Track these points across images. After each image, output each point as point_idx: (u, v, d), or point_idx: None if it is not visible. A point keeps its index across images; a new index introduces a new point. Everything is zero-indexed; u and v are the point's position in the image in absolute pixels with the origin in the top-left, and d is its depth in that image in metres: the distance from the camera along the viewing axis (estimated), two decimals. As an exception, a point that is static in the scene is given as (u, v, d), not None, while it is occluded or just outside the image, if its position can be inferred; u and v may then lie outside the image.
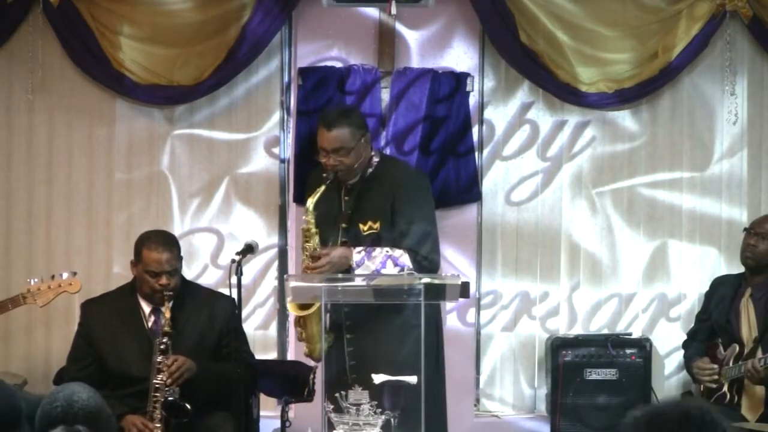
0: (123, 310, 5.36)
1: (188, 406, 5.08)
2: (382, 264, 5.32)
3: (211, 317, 5.38)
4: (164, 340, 5.14)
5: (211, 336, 5.37)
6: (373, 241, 5.36)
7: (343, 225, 5.40)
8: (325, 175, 5.35)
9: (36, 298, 5.98)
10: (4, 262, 6.70)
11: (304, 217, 5.38)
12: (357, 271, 5.28)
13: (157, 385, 5.11)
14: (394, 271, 5.29)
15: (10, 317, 6.37)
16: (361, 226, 5.35)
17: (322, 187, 5.29)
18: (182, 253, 5.50)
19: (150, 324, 5.31)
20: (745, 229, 6.08)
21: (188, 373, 5.14)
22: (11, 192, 6.71)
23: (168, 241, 5.35)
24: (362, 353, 5.26)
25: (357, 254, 5.31)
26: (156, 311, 5.31)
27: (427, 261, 5.34)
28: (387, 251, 5.34)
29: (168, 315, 5.15)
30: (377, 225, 5.34)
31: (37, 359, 6.68)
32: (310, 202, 5.30)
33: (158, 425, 5.09)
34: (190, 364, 5.16)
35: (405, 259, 5.30)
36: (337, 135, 5.29)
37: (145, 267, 5.26)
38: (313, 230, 5.31)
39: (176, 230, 6.70)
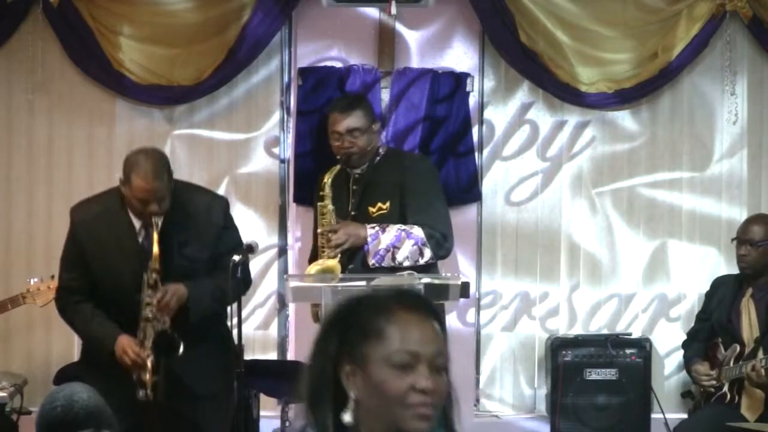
0: (114, 223, 5.09)
1: (181, 343, 4.94)
2: (396, 238, 5.43)
3: (204, 223, 5.13)
4: (153, 276, 4.96)
5: (205, 244, 5.14)
6: (383, 222, 5.49)
7: (353, 213, 5.51)
8: (338, 157, 5.55)
9: (36, 297, 5.99)
10: (4, 261, 6.69)
11: (321, 193, 5.54)
12: (370, 246, 5.43)
13: (146, 318, 4.97)
14: (410, 244, 5.39)
15: (10, 317, 6.37)
16: (370, 209, 5.53)
17: (337, 167, 5.50)
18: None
19: (141, 239, 5.08)
20: (734, 239, 6.07)
21: (178, 303, 4.98)
22: (11, 192, 6.71)
23: (158, 167, 4.99)
24: None
25: (371, 229, 5.46)
26: (147, 226, 5.06)
27: (441, 236, 5.50)
28: (400, 226, 5.48)
29: (156, 251, 4.93)
30: (387, 205, 5.52)
31: (37, 359, 6.68)
32: (327, 177, 5.49)
33: (149, 353, 4.93)
34: (180, 294, 4.99)
35: (418, 231, 5.44)
36: (352, 117, 5.54)
37: (133, 193, 4.97)
38: (330, 207, 5.45)
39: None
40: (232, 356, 5.02)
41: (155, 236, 4.96)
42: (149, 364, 4.92)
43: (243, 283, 5.11)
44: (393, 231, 5.45)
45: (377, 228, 5.46)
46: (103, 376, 4.92)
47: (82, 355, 5.38)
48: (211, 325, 5.19)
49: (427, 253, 5.49)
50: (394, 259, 5.45)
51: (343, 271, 5.41)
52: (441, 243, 5.53)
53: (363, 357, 2.17)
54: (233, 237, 5.21)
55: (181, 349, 4.95)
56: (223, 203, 5.23)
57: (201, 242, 5.13)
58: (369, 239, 5.44)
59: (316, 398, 2.21)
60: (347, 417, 2.18)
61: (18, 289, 6.09)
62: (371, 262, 5.46)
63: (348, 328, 2.20)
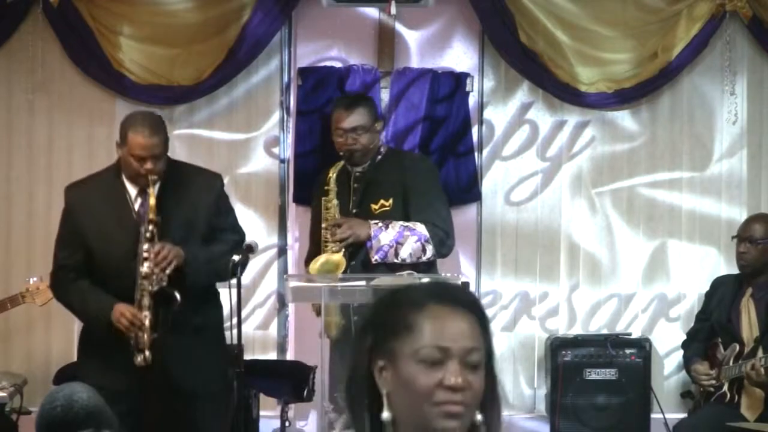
0: (109, 193, 5.12)
1: (177, 295, 4.91)
2: (399, 234, 5.46)
3: (200, 197, 5.17)
4: (150, 228, 4.93)
5: (201, 217, 5.16)
6: (386, 219, 5.52)
7: (354, 210, 5.53)
8: (341, 153, 5.58)
9: (35, 297, 5.99)
10: (4, 261, 6.69)
11: (325, 188, 5.58)
12: (373, 243, 5.43)
13: (144, 274, 4.93)
14: (413, 240, 5.42)
15: (10, 317, 6.37)
16: (372, 206, 5.56)
17: (341, 162, 5.55)
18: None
19: (137, 207, 5.07)
20: (734, 237, 6.08)
21: (176, 260, 4.95)
22: (11, 192, 6.72)
23: (155, 125, 5.06)
24: None
25: (374, 225, 5.48)
26: (143, 194, 5.07)
27: (444, 234, 5.54)
28: (403, 223, 5.51)
29: (153, 202, 4.93)
30: (389, 202, 5.56)
31: (37, 359, 6.68)
32: (333, 172, 5.53)
33: (146, 314, 4.90)
34: (177, 251, 4.95)
35: (422, 228, 5.47)
36: (355, 115, 5.57)
37: (130, 151, 4.99)
38: (334, 201, 5.48)
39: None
40: (230, 356, 5.03)
41: (152, 191, 4.95)
42: (147, 323, 4.91)
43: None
44: (396, 227, 5.48)
45: (380, 224, 5.48)
46: (101, 374, 4.94)
47: (79, 353, 5.36)
48: (207, 325, 5.20)
49: (430, 251, 5.51)
50: (397, 255, 5.47)
51: (345, 269, 5.42)
52: (444, 241, 5.57)
53: (393, 352, 2.10)
54: (229, 211, 5.28)
55: (178, 299, 4.91)
56: (219, 179, 5.27)
57: (197, 214, 5.13)
58: (372, 235, 5.46)
59: (354, 396, 2.16)
60: (385, 414, 2.10)
61: (18, 289, 6.10)
62: (374, 257, 5.46)
63: (381, 324, 2.14)
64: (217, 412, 5.19)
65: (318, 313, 5.55)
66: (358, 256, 5.52)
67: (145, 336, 4.89)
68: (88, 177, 5.33)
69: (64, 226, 5.22)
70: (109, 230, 5.06)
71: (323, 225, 5.57)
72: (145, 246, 4.91)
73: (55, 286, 5.26)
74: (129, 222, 5.05)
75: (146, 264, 4.91)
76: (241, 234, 5.31)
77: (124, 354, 4.98)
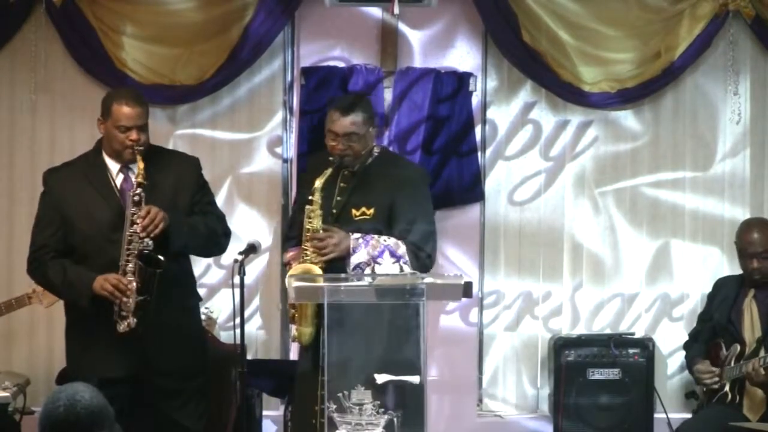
0: (89, 171, 5.19)
1: (161, 258, 4.93)
2: (379, 253, 5.33)
3: (183, 174, 5.26)
4: (137, 191, 4.98)
5: (184, 192, 5.23)
6: (364, 228, 5.35)
7: (334, 211, 5.41)
8: (331, 158, 5.38)
9: (42, 298, 6.01)
10: (7, 262, 6.70)
11: (310, 197, 5.34)
12: (353, 258, 5.28)
13: (130, 238, 4.96)
14: (390, 261, 5.31)
15: (13, 317, 6.38)
16: (353, 211, 5.37)
17: (330, 170, 5.33)
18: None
19: (119, 183, 5.14)
20: (743, 254, 6.02)
21: (162, 223, 4.98)
22: (14, 192, 6.72)
23: (138, 96, 5.20)
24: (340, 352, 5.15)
25: (354, 240, 5.29)
26: (124, 169, 5.15)
27: (427, 256, 5.34)
28: (385, 241, 5.31)
29: (141, 166, 5.00)
30: (371, 212, 5.36)
31: (39, 359, 6.69)
32: (318, 183, 5.32)
33: (131, 278, 4.93)
34: (164, 214, 5.00)
35: (401, 249, 5.29)
36: (351, 121, 5.33)
37: (115, 122, 5.09)
38: (318, 211, 5.33)
39: (179, 230, 6.72)
40: (205, 340, 5.08)
41: (139, 157, 5.03)
42: (134, 287, 4.92)
43: (224, 236, 5.31)
44: (377, 244, 5.30)
45: (361, 239, 5.33)
46: (95, 363, 4.98)
47: (68, 349, 5.37)
48: (186, 322, 5.24)
49: (407, 270, 5.30)
50: (373, 271, 5.31)
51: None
52: (424, 262, 5.33)
53: None
54: (208, 190, 5.38)
55: (163, 262, 4.93)
56: (197, 159, 5.38)
57: (180, 189, 5.21)
58: (352, 250, 5.32)
59: None
60: None
61: (20, 289, 6.11)
62: (351, 274, 5.32)
63: None
64: (195, 408, 5.23)
65: (292, 321, 5.49)
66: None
67: (130, 301, 4.90)
68: (65, 162, 5.40)
69: (43, 207, 5.26)
70: (91, 206, 5.12)
71: (304, 239, 5.41)
72: (133, 209, 4.95)
73: (34, 267, 5.27)
74: (111, 197, 5.12)
75: (133, 227, 4.94)
76: (222, 213, 5.43)
77: (113, 339, 5.00)
